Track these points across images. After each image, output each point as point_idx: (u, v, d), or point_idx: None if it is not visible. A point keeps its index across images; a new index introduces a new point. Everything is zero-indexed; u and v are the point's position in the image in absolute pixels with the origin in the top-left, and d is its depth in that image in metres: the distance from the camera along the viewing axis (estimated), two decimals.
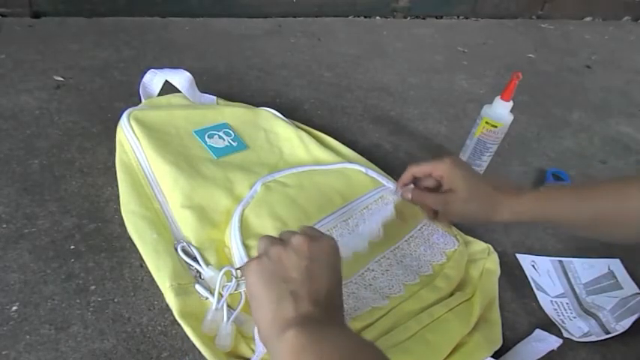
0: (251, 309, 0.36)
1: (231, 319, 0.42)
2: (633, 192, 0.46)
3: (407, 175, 0.56)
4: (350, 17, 1.37)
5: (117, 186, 0.55)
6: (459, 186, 0.51)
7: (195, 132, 0.62)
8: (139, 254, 0.49)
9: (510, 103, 0.70)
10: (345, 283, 0.49)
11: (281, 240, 0.38)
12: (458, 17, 1.58)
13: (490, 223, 0.52)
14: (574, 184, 0.69)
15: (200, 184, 0.54)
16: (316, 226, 0.52)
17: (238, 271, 0.42)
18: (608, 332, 0.52)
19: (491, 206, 0.50)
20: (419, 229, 0.57)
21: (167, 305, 0.45)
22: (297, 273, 0.35)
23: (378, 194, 0.59)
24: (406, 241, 0.56)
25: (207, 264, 0.47)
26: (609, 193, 0.48)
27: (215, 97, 0.74)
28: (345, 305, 0.46)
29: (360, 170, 0.62)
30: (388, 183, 0.61)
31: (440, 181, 0.53)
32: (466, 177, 0.52)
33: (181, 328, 0.43)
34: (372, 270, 0.51)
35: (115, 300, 0.47)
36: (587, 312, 0.56)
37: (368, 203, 0.57)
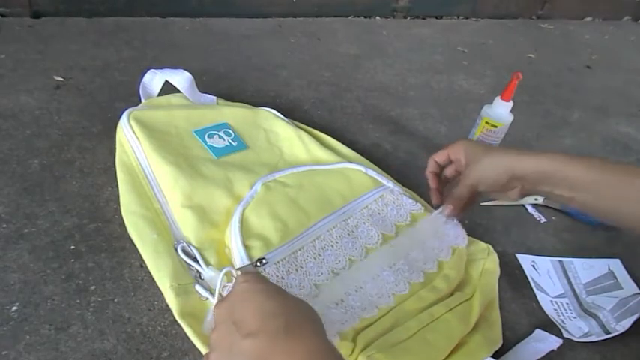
0: None
1: None
2: None
3: (432, 165, 0.59)
4: (350, 17, 1.37)
5: (117, 186, 0.55)
6: (477, 149, 0.54)
7: (195, 132, 0.62)
8: (139, 254, 0.49)
9: (510, 103, 0.70)
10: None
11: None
12: (458, 17, 1.58)
13: (508, 185, 0.51)
14: None
15: (200, 184, 0.54)
16: (316, 227, 0.52)
17: (239, 271, 0.42)
18: (608, 332, 0.52)
19: (512, 157, 0.51)
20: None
21: (167, 305, 0.45)
22: (223, 345, 0.33)
23: (378, 194, 0.59)
24: (416, 229, 0.55)
25: (208, 264, 0.47)
26: (623, 167, 0.47)
27: (215, 97, 0.74)
28: (355, 304, 0.46)
29: (360, 170, 0.62)
30: (388, 183, 0.61)
31: (457, 168, 0.57)
32: (484, 144, 0.56)
33: (181, 328, 0.43)
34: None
35: (115, 300, 0.47)
36: (587, 312, 0.56)
37: (368, 203, 0.57)
